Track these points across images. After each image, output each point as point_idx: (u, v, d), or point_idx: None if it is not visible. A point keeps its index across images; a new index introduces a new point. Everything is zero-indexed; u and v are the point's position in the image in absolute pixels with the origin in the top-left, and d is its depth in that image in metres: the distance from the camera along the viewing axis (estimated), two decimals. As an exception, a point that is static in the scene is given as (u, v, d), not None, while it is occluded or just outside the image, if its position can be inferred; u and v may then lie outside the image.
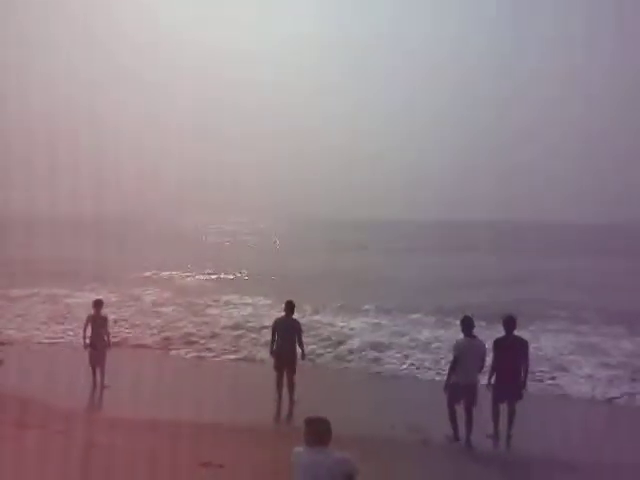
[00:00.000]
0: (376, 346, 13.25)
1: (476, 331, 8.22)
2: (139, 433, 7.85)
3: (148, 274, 26.47)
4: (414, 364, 12.22)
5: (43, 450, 6.62)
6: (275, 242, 54.72)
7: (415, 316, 16.55)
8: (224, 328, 15.23)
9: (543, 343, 13.15)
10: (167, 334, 14.71)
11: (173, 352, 13.37)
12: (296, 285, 20.49)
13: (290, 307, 9.56)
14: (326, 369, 12.05)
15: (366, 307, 17.85)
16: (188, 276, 27.69)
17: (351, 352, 12.99)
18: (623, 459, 7.69)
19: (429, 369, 11.86)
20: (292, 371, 9.51)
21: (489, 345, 8.26)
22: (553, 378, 11.34)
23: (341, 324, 15.47)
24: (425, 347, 13.21)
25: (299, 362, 9.62)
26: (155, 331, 15.08)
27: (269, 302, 18.46)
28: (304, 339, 9.79)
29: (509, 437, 8.03)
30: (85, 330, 10.27)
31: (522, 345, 8.02)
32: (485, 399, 8.18)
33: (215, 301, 19.16)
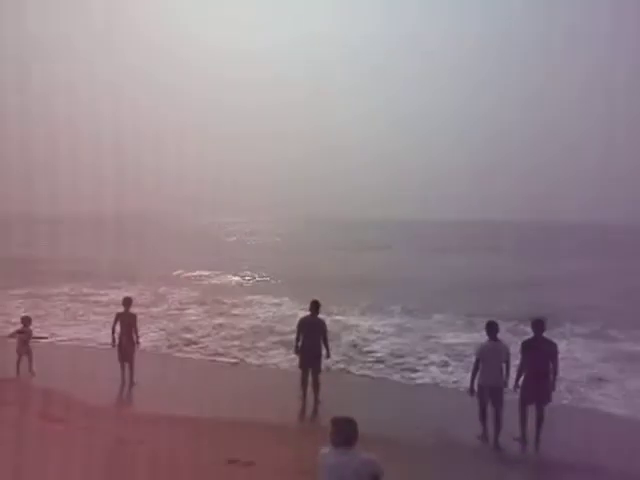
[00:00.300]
0: (400, 348, 13.17)
1: (504, 334, 8.19)
2: (164, 429, 7.94)
3: (174, 273, 26.77)
4: (438, 366, 12.03)
5: (75, 445, 6.77)
6: (297, 242, 54.71)
7: (439, 317, 16.43)
8: (247, 329, 15.34)
9: (566, 347, 12.75)
10: (188, 335, 14.83)
11: (194, 352, 13.43)
12: (320, 285, 20.47)
13: (315, 306, 9.56)
14: (348, 371, 11.95)
15: (391, 308, 17.76)
16: (211, 276, 27.87)
17: (375, 354, 12.86)
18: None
19: (453, 372, 11.63)
20: (317, 370, 9.52)
21: (514, 349, 8.23)
22: (586, 388, 10.70)
23: (365, 325, 15.43)
24: (449, 349, 13.06)
25: (324, 361, 9.66)
26: (177, 329, 15.24)
27: (292, 303, 18.55)
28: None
29: (537, 441, 7.91)
30: (114, 327, 10.44)
31: (551, 347, 7.87)
32: (513, 402, 8.11)
33: (237, 302, 19.31)
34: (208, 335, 14.72)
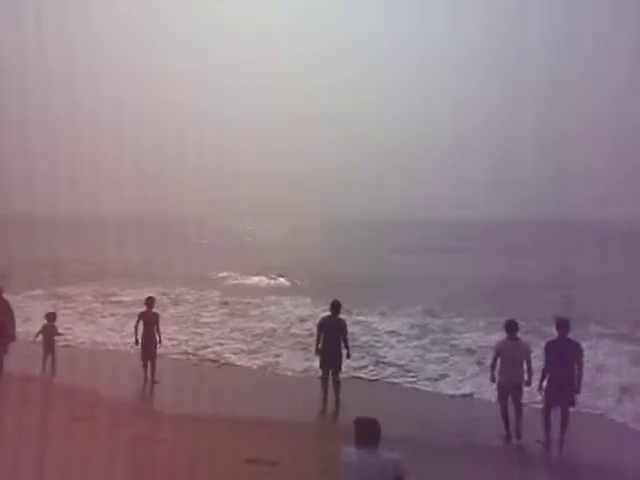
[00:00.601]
0: (420, 352, 13.00)
1: (528, 335, 8.09)
2: (187, 427, 8.01)
3: (194, 274, 26.95)
4: (458, 369, 11.81)
5: (100, 442, 6.87)
6: (320, 244, 54.64)
7: (460, 319, 16.23)
8: (267, 330, 15.36)
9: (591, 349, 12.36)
10: (207, 335, 14.89)
11: (212, 353, 13.48)
12: (341, 286, 20.39)
13: (336, 306, 9.57)
14: (365, 377, 11.62)
15: (413, 309, 17.62)
16: (232, 277, 27.99)
17: (393, 359, 12.59)
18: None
19: (476, 375, 11.30)
20: (338, 370, 9.54)
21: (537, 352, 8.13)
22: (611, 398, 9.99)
23: (385, 328, 15.32)
24: (471, 353, 12.82)
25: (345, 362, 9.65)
26: (196, 330, 15.31)
27: (313, 303, 18.53)
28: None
29: (561, 443, 7.78)
30: (137, 327, 10.58)
31: (575, 349, 7.73)
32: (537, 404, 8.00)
33: (258, 302, 19.33)
34: (227, 336, 14.76)
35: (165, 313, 15.50)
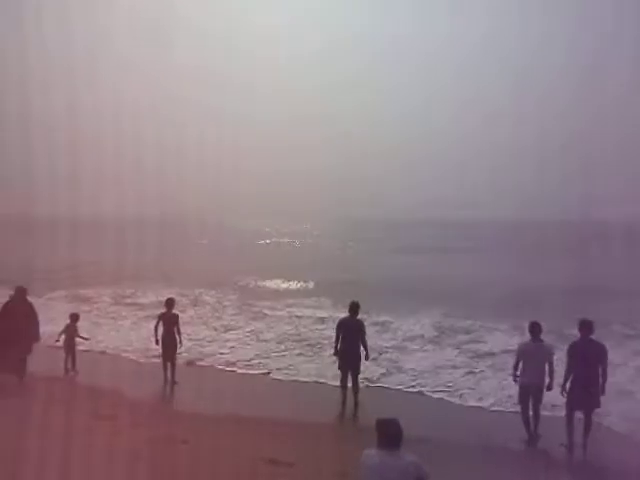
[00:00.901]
0: (439, 357, 12.80)
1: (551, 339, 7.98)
2: (207, 428, 8.06)
3: (211, 276, 26.99)
4: (478, 375, 11.56)
5: (123, 441, 6.94)
6: (344, 245, 54.33)
7: (481, 322, 16.01)
8: (284, 331, 15.39)
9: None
10: (223, 337, 14.94)
11: (230, 353, 13.50)
12: (359, 288, 20.17)
13: (354, 307, 9.54)
14: (383, 385, 11.29)
15: (432, 312, 17.47)
16: (249, 279, 27.84)
17: (412, 365, 12.25)
18: None
19: (496, 380, 10.98)
20: (356, 372, 9.50)
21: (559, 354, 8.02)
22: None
23: (405, 331, 15.21)
24: (491, 358, 12.57)
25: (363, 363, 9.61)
26: (212, 332, 15.36)
27: (331, 305, 18.49)
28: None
29: (585, 447, 7.66)
30: (157, 328, 10.66)
31: (599, 350, 7.59)
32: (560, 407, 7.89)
33: (275, 305, 19.36)
34: (244, 338, 14.80)
35: (184, 315, 15.55)
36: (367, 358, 9.59)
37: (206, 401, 9.56)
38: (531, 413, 8.12)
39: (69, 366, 11.07)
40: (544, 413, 8.26)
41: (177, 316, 10.88)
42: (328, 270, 30.28)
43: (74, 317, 11.50)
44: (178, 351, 10.85)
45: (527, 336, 8.31)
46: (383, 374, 11.66)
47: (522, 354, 8.14)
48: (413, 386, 11.03)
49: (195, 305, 19.29)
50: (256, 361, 12.71)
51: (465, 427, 8.92)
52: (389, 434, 4.08)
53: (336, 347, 9.56)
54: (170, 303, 10.84)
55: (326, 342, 13.19)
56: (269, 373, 11.89)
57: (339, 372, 9.62)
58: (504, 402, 9.88)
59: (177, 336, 10.70)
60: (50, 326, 11.86)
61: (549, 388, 7.96)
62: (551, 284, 23.76)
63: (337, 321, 9.83)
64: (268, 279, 27.76)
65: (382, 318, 16.38)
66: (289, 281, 27.49)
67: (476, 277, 27.45)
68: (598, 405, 7.65)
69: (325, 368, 11.71)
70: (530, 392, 8.07)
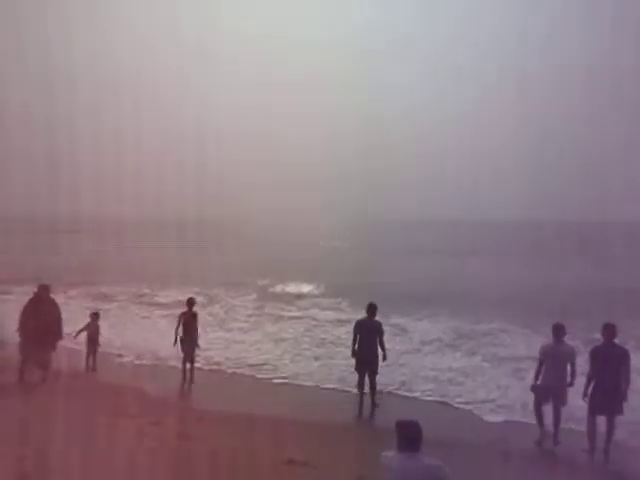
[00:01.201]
0: (456, 362, 12.63)
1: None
2: (225, 427, 8.11)
3: (230, 277, 27.05)
4: (498, 382, 11.20)
5: (141, 438, 7.03)
6: (361, 246, 53.98)
7: (501, 325, 15.81)
8: (303, 332, 15.42)
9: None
10: (241, 338, 14.99)
11: (245, 350, 13.55)
12: (378, 290, 20.03)
13: (372, 309, 9.53)
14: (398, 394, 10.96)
15: (444, 313, 17.32)
16: (269, 279, 27.70)
17: (428, 371, 12.01)
18: None
19: (517, 387, 10.65)
20: (374, 373, 9.48)
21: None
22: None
23: (421, 335, 15.09)
24: (511, 362, 12.32)
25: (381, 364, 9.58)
26: (229, 334, 15.39)
27: (350, 306, 18.43)
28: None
29: (607, 453, 7.54)
30: (177, 327, 10.76)
31: (622, 354, 7.49)
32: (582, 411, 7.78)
33: (294, 306, 19.39)
34: (262, 339, 14.85)
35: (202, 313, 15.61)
36: (384, 359, 9.56)
37: (224, 401, 9.65)
38: (552, 416, 8.03)
39: (90, 364, 11.23)
40: (571, 426, 8.20)
41: (196, 315, 10.97)
42: (342, 273, 30.13)
43: (95, 316, 11.65)
44: (197, 352, 10.94)
45: (549, 338, 8.26)
46: (402, 382, 11.26)
47: (544, 355, 8.15)
48: (431, 391, 10.84)
49: (208, 307, 19.30)
50: (272, 363, 12.68)
51: (484, 432, 8.85)
52: (409, 436, 4.03)
53: (354, 348, 9.56)
54: (190, 303, 10.94)
55: (342, 344, 13.16)
56: (286, 376, 11.86)
57: (356, 373, 9.61)
58: (524, 409, 9.54)
59: (196, 335, 10.79)
60: (70, 326, 12.03)
61: (570, 384, 7.95)
62: (569, 286, 23.43)
63: (355, 323, 9.81)
64: (285, 280, 27.68)
65: (397, 320, 16.17)
66: (305, 283, 27.32)
67: (488, 279, 27.13)
68: (621, 411, 7.52)
69: (342, 371, 11.66)
70: (549, 394, 8.04)
